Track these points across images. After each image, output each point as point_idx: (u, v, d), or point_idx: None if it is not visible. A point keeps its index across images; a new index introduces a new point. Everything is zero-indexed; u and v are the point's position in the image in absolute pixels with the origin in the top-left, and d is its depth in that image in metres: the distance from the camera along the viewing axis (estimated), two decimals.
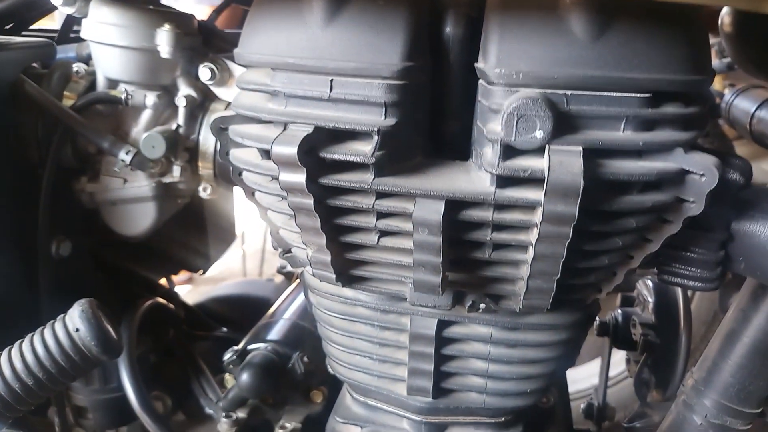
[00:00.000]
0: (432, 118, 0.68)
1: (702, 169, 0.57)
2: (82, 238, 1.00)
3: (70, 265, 0.97)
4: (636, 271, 0.72)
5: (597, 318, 1.23)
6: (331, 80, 0.60)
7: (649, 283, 1.14)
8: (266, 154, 0.63)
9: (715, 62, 1.96)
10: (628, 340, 1.15)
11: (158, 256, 1.19)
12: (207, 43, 0.92)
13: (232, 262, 3.42)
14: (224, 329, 1.36)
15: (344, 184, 0.61)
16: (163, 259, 1.23)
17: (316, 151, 0.59)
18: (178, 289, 1.67)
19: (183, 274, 2.77)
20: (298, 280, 1.33)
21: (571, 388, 2.09)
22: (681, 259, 0.71)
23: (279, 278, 1.58)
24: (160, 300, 1.17)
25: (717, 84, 2.00)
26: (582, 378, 2.02)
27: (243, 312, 1.45)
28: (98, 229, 0.98)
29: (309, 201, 0.61)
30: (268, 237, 0.76)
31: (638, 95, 0.56)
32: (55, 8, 0.87)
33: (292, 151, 0.57)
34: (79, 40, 1.00)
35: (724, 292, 1.40)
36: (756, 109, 1.55)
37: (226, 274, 3.27)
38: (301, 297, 1.21)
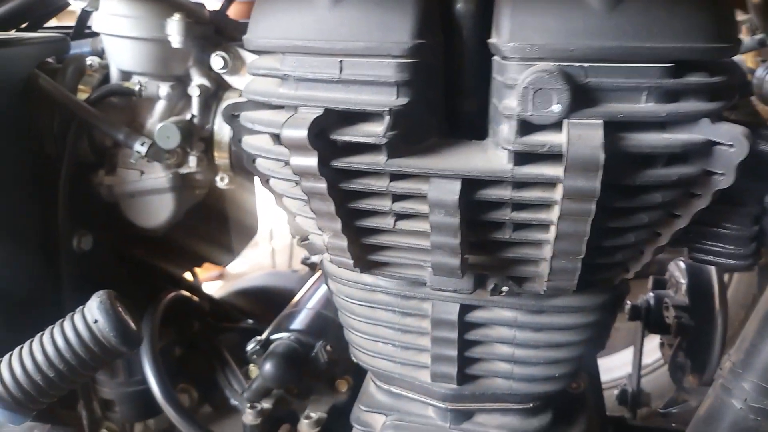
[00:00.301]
0: (447, 97, 0.66)
1: (731, 140, 0.55)
2: (104, 232, 1.01)
3: (93, 259, 0.98)
4: (665, 250, 0.70)
5: (628, 302, 1.21)
6: (341, 61, 0.59)
7: (682, 264, 1.11)
8: (278, 138, 0.63)
9: (747, 39, 1.90)
10: (662, 324, 1.13)
11: (181, 249, 1.20)
12: (219, 32, 0.92)
13: (261, 258, 3.44)
14: (250, 321, 1.37)
15: (357, 167, 0.60)
16: (186, 252, 1.24)
17: (327, 133, 0.59)
18: (208, 285, 1.69)
19: (213, 270, 2.80)
20: (320, 271, 1.33)
21: (606, 376, 2.07)
22: (712, 235, 0.69)
23: (303, 269, 1.59)
24: (184, 292, 1.18)
25: (749, 61, 1.94)
26: (617, 366, 1.99)
27: (268, 303, 1.46)
28: (120, 222, 0.99)
29: (322, 185, 0.60)
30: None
31: (659, 65, 0.54)
32: (68, 4, 0.88)
33: (302, 134, 0.56)
34: (94, 35, 1.01)
35: (762, 274, 1.36)
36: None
37: (256, 269, 3.30)
38: (324, 287, 1.21)
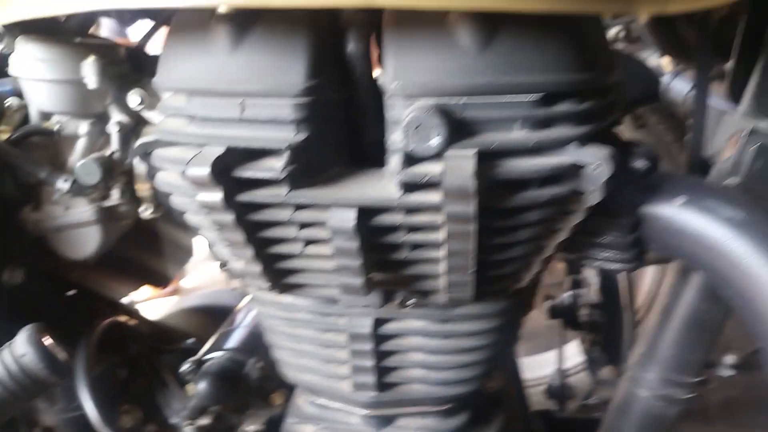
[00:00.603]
0: (351, 129, 0.72)
1: (596, 161, 0.62)
2: (35, 263, 1.03)
3: (24, 292, 1.00)
4: (554, 258, 0.76)
5: (549, 302, 1.28)
6: (242, 102, 0.64)
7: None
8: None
9: None
10: (577, 322, 1.20)
11: (117, 274, 1.22)
12: (137, 68, 0.95)
13: (216, 271, 3.44)
14: (191, 340, 1.40)
15: (261, 200, 0.64)
16: (121, 277, 1.27)
17: (231, 170, 0.63)
18: (163, 300, 1.70)
19: (169, 287, 2.79)
20: None
21: (539, 372, 2.17)
22: (596, 243, 0.76)
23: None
24: (119, 318, 1.20)
25: (668, 67, 2.04)
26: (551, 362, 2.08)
27: (210, 322, 1.49)
28: (51, 254, 1.01)
29: (229, 218, 0.64)
30: None
31: (529, 97, 0.60)
32: None
33: (204, 171, 0.60)
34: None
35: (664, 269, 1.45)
36: (689, 91, 1.60)
37: (210, 283, 3.31)
38: None
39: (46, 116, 0.92)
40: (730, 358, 2.38)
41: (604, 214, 0.72)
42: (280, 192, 0.64)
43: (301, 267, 0.72)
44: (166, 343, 1.35)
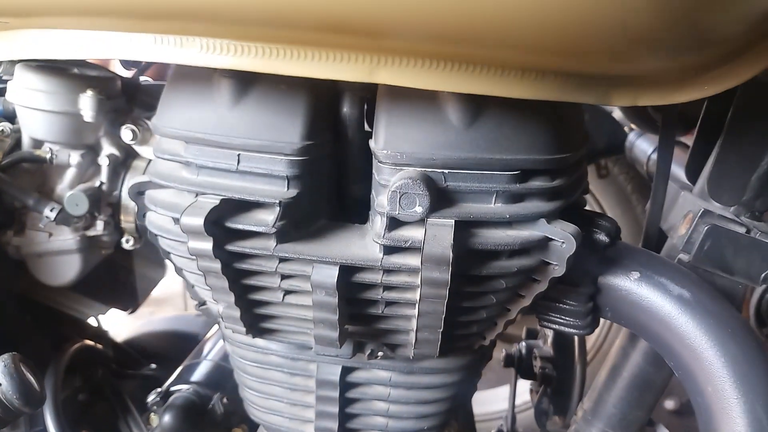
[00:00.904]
0: (337, 183, 0.74)
1: (563, 238, 0.65)
2: (9, 284, 1.02)
3: None
4: (516, 320, 0.80)
5: (504, 350, 1.32)
6: (239, 155, 0.66)
7: None
8: (178, 221, 0.68)
9: None
10: (531, 372, 1.24)
11: (85, 297, 1.21)
12: (131, 99, 0.96)
13: (174, 286, 3.39)
14: (153, 366, 1.39)
15: (248, 251, 0.66)
16: (91, 300, 1.25)
17: (223, 220, 0.65)
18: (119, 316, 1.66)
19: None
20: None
21: (490, 408, 2.20)
22: (555, 309, 0.79)
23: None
24: (88, 342, 1.19)
25: None
26: (502, 398, 2.11)
27: (172, 347, 1.48)
28: (25, 275, 1.00)
29: (216, 265, 0.66)
30: None
31: (507, 173, 0.64)
32: None
33: (199, 222, 0.62)
34: (2, 94, 1.02)
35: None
36: (652, 152, 1.68)
37: (168, 297, 3.27)
38: None
39: (38, 144, 0.92)
40: (670, 403, 2.46)
41: (565, 282, 0.75)
42: (269, 245, 0.66)
43: (278, 314, 0.74)
44: (128, 368, 1.34)
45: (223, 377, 1.13)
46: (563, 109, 0.68)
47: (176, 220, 0.68)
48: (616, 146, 1.95)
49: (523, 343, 1.27)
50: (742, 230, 0.79)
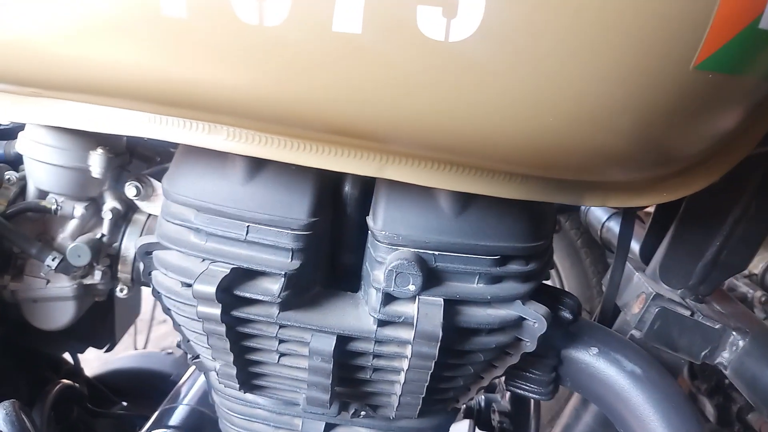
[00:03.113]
0: (330, 253, 0.79)
1: (535, 318, 0.71)
2: None
3: None
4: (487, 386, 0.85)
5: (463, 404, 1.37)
6: (248, 226, 0.70)
7: None
8: (186, 284, 0.71)
9: None
10: (488, 424, 1.29)
11: (66, 337, 1.21)
12: (131, 153, 0.99)
13: None
14: (124, 404, 1.38)
15: (253, 317, 0.70)
16: (70, 340, 1.25)
17: (231, 288, 0.68)
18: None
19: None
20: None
21: None
22: (522, 377, 0.85)
23: (178, 352, 1.61)
24: (66, 382, 1.18)
25: None
26: None
27: (142, 386, 1.47)
28: (12, 318, 1.00)
29: (221, 329, 0.69)
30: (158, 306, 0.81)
31: (489, 257, 0.70)
32: None
33: (211, 289, 0.66)
34: (6, 137, 1.04)
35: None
36: (606, 220, 1.79)
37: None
38: (201, 379, 1.26)
39: (43, 194, 0.94)
40: None
41: (532, 354, 0.81)
42: (272, 312, 0.69)
43: (271, 373, 0.77)
44: (101, 406, 1.33)
45: (201, 422, 1.14)
46: (539, 204, 0.74)
47: (185, 284, 0.72)
48: (570, 205, 2.05)
49: (482, 396, 1.32)
50: (687, 313, 0.87)
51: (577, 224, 2.68)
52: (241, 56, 0.51)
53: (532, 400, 1.21)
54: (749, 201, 0.81)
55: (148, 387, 1.41)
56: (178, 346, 0.89)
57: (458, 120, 0.52)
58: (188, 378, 1.28)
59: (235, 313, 0.69)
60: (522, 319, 0.72)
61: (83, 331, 1.21)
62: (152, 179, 0.93)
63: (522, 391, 0.86)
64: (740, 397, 1.80)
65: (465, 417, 1.33)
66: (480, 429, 1.31)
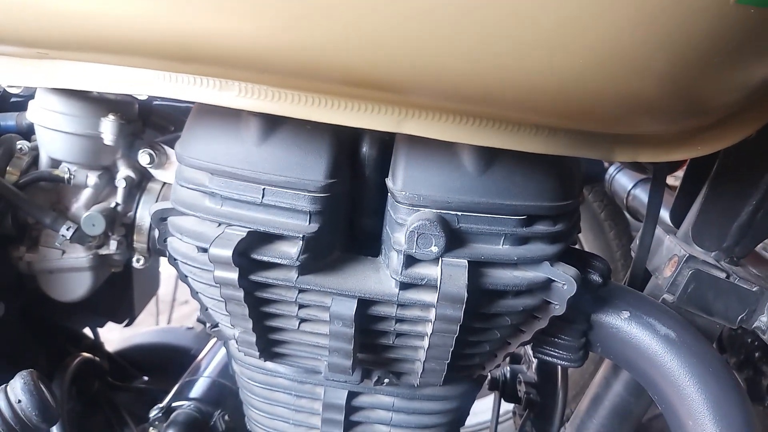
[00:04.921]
0: (349, 217, 0.77)
1: (564, 280, 0.69)
2: (15, 299, 1.02)
3: (2, 325, 0.99)
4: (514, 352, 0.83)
5: (489, 374, 1.35)
6: (264, 189, 0.68)
7: None
8: (202, 249, 0.70)
9: None
10: (515, 395, 1.27)
11: (85, 311, 1.21)
12: (145, 121, 0.98)
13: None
14: (145, 378, 1.39)
15: (272, 281, 0.69)
16: (89, 313, 1.26)
17: (248, 252, 0.67)
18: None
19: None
20: None
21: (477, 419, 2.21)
22: (551, 343, 0.83)
23: (199, 327, 1.62)
24: (86, 355, 1.19)
25: None
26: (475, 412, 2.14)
27: (163, 361, 1.49)
28: (30, 289, 1.00)
29: (239, 294, 0.68)
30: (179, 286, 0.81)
31: (515, 218, 0.68)
32: None
33: (227, 253, 0.64)
34: (16, 108, 1.03)
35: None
36: (632, 188, 1.75)
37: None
38: (222, 352, 1.26)
39: (55, 163, 0.93)
40: None
41: (561, 318, 0.79)
42: (291, 276, 0.68)
43: (292, 340, 0.76)
44: (122, 380, 1.34)
45: (222, 394, 1.14)
46: (567, 161, 0.72)
47: (201, 249, 0.71)
48: (594, 176, 2.01)
49: (508, 368, 1.31)
50: (722, 275, 0.84)
51: (600, 196, 2.63)
52: (251, 1, 0.49)
53: (559, 371, 1.19)
54: None
55: (169, 362, 1.42)
56: (199, 320, 0.88)
57: (483, 63, 0.50)
58: (208, 351, 1.28)
59: (253, 277, 0.68)
60: (550, 281, 0.70)
61: (102, 305, 1.22)
62: (166, 147, 0.91)
63: (550, 358, 0.84)
64: None
65: (490, 389, 1.31)
66: (506, 401, 1.30)
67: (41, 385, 0.71)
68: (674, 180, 1.57)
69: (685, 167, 0.98)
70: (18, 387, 0.70)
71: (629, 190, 1.73)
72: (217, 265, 0.66)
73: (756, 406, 1.90)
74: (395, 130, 0.59)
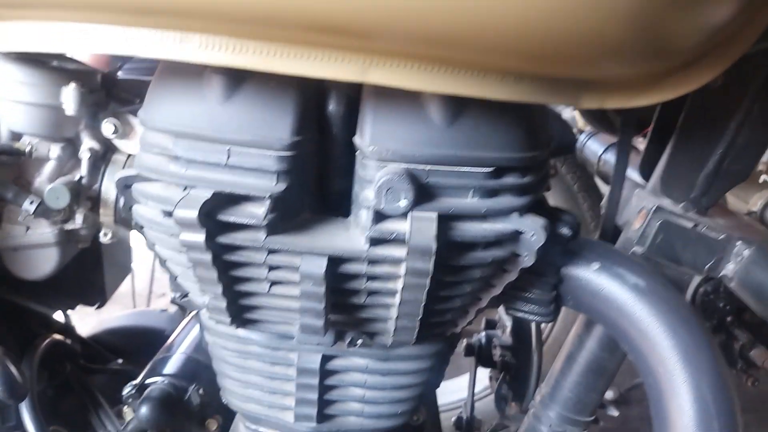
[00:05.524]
0: (318, 178, 0.76)
1: (533, 230, 0.69)
2: None
3: None
4: (485, 309, 0.83)
5: (464, 340, 1.36)
6: (229, 149, 0.67)
7: None
8: (168, 213, 0.69)
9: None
10: (491, 360, 1.28)
11: (55, 293, 1.19)
12: (108, 93, 0.95)
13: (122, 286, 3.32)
14: (119, 361, 1.37)
15: (239, 243, 0.67)
16: (59, 296, 1.23)
17: (214, 213, 0.66)
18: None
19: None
20: (192, 312, 1.36)
21: (445, 399, 2.24)
22: (522, 298, 0.83)
23: (173, 309, 1.60)
24: (57, 336, 1.17)
25: (580, 122, 2.22)
26: (454, 390, 2.16)
27: (138, 343, 1.46)
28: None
29: (207, 257, 0.67)
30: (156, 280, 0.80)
31: (483, 170, 0.68)
32: None
33: (193, 214, 0.63)
34: None
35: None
36: (603, 153, 1.76)
37: (116, 296, 3.19)
38: (195, 330, 1.25)
39: (16, 136, 0.90)
40: (609, 393, 2.58)
41: (531, 272, 0.79)
42: (259, 237, 0.67)
43: (263, 305, 0.75)
44: (95, 363, 1.31)
45: (196, 370, 1.13)
46: (533, 112, 0.72)
47: (166, 213, 0.69)
48: (565, 147, 2.03)
49: (483, 333, 1.32)
50: (690, 224, 0.85)
51: (573, 168, 2.66)
52: None
53: (533, 331, 1.21)
54: (751, 104, 0.78)
55: (143, 344, 1.40)
56: (173, 302, 0.87)
57: (448, 1, 0.49)
58: (181, 330, 1.26)
59: (221, 239, 0.67)
60: (519, 233, 0.70)
61: (72, 287, 1.20)
62: (130, 117, 0.89)
63: (523, 314, 0.85)
64: (742, 335, 1.79)
65: (466, 355, 1.32)
66: (482, 366, 1.31)
67: (7, 360, 0.69)
68: (641, 143, 1.58)
69: (653, 123, 0.99)
70: None
71: (600, 155, 1.75)
72: (183, 228, 0.65)
73: (730, 370, 1.95)
74: (360, 80, 0.58)
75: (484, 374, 1.43)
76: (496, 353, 1.25)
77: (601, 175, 1.78)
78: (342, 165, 0.75)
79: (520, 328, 1.24)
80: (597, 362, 1.02)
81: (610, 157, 1.72)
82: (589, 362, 1.02)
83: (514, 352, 1.23)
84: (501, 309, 1.37)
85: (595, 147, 1.79)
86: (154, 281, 3.33)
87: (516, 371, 1.21)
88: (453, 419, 1.38)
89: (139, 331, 1.54)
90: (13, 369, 0.70)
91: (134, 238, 1.32)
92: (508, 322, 1.26)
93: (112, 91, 0.97)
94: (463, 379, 2.14)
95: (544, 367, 1.24)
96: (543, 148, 0.73)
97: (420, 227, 0.64)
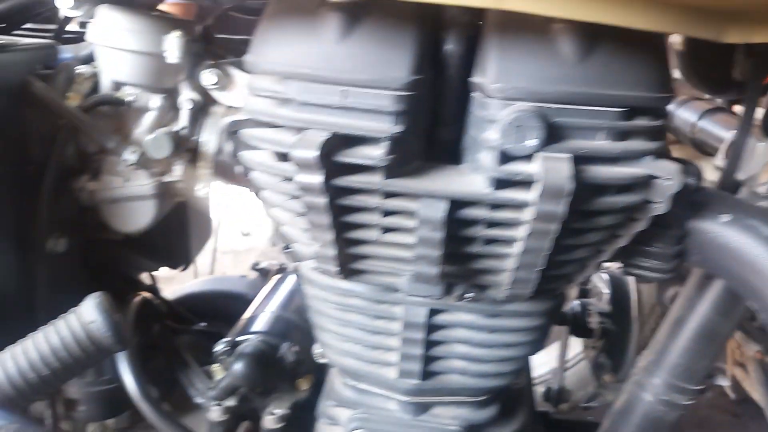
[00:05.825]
0: (429, 125, 0.73)
1: (668, 174, 0.65)
2: (77, 234, 1.01)
3: (64, 261, 0.98)
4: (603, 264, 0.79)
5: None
6: (345, 90, 0.64)
7: (605, 276, 1.23)
8: (281, 156, 0.67)
9: None
10: (585, 329, 1.24)
11: (142, 253, 1.20)
12: (207, 46, 0.94)
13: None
14: (203, 324, 1.38)
15: (356, 185, 0.65)
16: (146, 256, 1.24)
17: (332, 155, 0.64)
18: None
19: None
20: (275, 277, 1.36)
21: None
22: (643, 252, 0.79)
23: (252, 275, 1.61)
24: (147, 295, 1.18)
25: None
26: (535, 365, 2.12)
27: (219, 307, 1.47)
28: (93, 226, 0.99)
29: (322, 200, 0.65)
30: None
31: (616, 110, 0.63)
32: (54, 10, 0.87)
33: (312, 154, 0.61)
34: (76, 40, 1.00)
35: (661, 288, 1.51)
36: (698, 119, 1.68)
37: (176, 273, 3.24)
38: (283, 291, 1.24)
39: (117, 86, 0.90)
40: None
41: (656, 224, 0.75)
42: (376, 179, 0.65)
43: (373, 253, 0.73)
44: (181, 324, 1.33)
45: (287, 327, 1.12)
46: (662, 52, 0.67)
47: (281, 156, 0.67)
48: None
49: (577, 302, 1.27)
50: None
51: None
52: None
53: (632, 297, 1.16)
54: None
55: (226, 309, 1.41)
56: (253, 268, 0.86)
57: None
58: (268, 292, 1.26)
59: (336, 182, 0.65)
60: (651, 177, 0.65)
61: (159, 248, 1.21)
62: (230, 68, 0.88)
63: (641, 271, 0.80)
64: None
65: (558, 324, 1.28)
66: (577, 336, 1.27)
67: (113, 307, 0.69)
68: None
69: None
70: (91, 307, 0.68)
71: (695, 123, 1.66)
72: (301, 169, 0.63)
73: None
74: (497, 6, 0.55)
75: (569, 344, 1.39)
76: (593, 321, 1.21)
77: (695, 143, 1.69)
78: (453, 110, 0.72)
79: (618, 295, 1.19)
80: (710, 326, 0.96)
81: (705, 124, 1.63)
82: (701, 326, 0.97)
83: (613, 319, 1.18)
84: (596, 277, 1.33)
85: (687, 115, 1.70)
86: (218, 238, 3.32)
87: (615, 338, 1.17)
88: (542, 390, 1.34)
89: (220, 295, 1.56)
90: (118, 315, 0.70)
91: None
92: (606, 290, 1.22)
93: (210, 46, 0.96)
94: (542, 354, 2.09)
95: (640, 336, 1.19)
96: (671, 90, 0.68)
97: (553, 167, 0.60)
